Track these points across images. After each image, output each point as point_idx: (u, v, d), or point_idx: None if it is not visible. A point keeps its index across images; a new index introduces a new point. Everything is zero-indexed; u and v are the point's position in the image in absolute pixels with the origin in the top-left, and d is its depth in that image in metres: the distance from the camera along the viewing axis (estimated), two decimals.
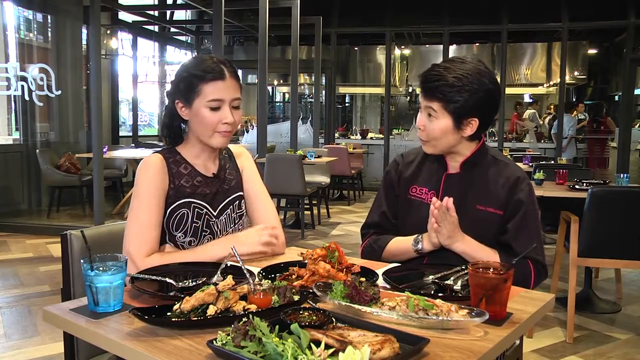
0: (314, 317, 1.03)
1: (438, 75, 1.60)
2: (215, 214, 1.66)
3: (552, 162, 5.86)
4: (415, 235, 1.67)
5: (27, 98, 5.77)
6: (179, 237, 1.61)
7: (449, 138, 1.64)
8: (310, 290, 1.21)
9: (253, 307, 1.10)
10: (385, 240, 1.75)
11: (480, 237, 1.62)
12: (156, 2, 9.13)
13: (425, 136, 1.67)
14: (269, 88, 12.66)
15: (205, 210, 1.64)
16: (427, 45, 11.80)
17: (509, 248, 1.62)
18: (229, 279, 1.14)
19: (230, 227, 1.70)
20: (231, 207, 1.70)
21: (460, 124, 1.62)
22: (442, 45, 9.46)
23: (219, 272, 1.30)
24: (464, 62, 1.61)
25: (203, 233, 1.64)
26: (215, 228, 1.66)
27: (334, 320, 1.05)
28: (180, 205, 1.61)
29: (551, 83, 11.05)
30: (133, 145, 8.52)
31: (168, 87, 1.69)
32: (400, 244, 1.71)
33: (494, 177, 1.68)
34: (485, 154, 1.72)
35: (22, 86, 5.72)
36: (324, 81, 10.27)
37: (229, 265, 1.33)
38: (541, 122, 10.46)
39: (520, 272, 1.53)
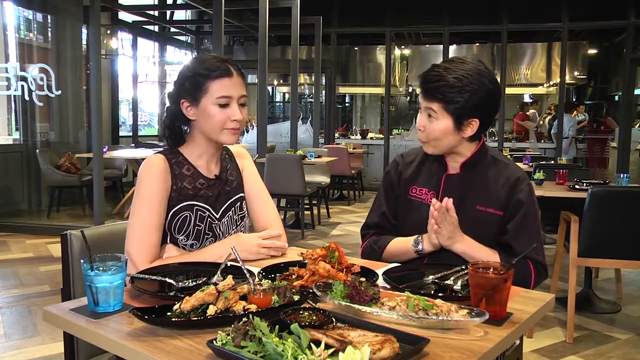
0: (314, 317, 1.03)
1: (438, 75, 1.60)
2: (217, 216, 1.65)
3: (552, 162, 5.87)
4: (415, 236, 1.66)
5: (27, 98, 5.77)
6: (181, 240, 1.60)
7: (449, 139, 1.64)
8: (310, 290, 1.21)
9: (253, 307, 1.10)
10: (385, 241, 1.74)
11: (480, 237, 1.62)
12: (156, 2, 9.12)
13: (426, 137, 1.67)
14: (269, 88, 12.65)
15: (207, 212, 1.63)
16: (427, 45, 11.79)
17: (509, 248, 1.62)
18: (229, 279, 1.14)
19: (233, 230, 1.69)
20: (233, 209, 1.69)
21: (460, 125, 1.62)
22: (442, 45, 9.46)
23: (219, 272, 1.30)
24: (464, 62, 1.61)
25: (205, 236, 1.62)
26: (218, 231, 1.65)
27: (334, 320, 1.05)
28: (182, 207, 1.60)
29: (551, 83, 11.05)
30: (133, 145, 8.51)
31: (169, 88, 1.68)
32: (400, 244, 1.71)
33: (494, 178, 1.68)
34: (485, 155, 1.72)
35: (22, 86, 5.71)
36: (324, 81, 10.27)
37: (229, 265, 1.33)
38: (541, 122, 10.46)
39: (520, 272, 1.53)
